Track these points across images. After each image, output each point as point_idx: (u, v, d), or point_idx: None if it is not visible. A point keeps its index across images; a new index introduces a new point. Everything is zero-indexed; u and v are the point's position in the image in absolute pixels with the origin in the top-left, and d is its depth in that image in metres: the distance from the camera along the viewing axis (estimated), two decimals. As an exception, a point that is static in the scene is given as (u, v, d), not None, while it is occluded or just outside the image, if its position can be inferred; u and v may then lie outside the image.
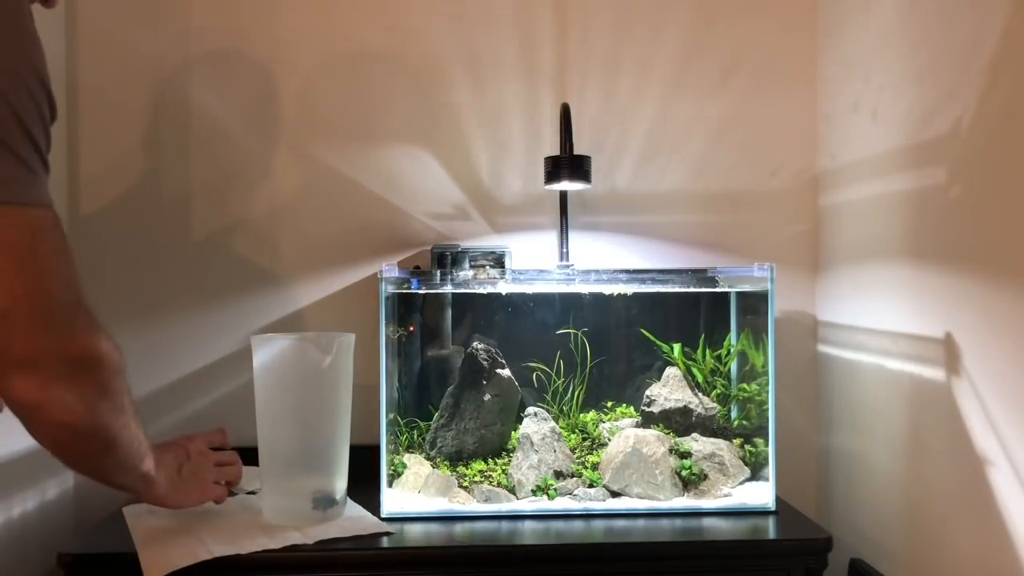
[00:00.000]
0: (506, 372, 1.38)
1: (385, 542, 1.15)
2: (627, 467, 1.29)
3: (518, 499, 1.28)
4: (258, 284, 1.51)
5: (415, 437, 1.39)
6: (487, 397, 1.36)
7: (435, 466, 1.33)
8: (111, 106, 1.49)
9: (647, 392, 1.39)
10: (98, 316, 0.85)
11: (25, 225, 0.73)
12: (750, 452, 1.35)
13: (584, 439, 1.38)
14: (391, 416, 1.31)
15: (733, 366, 1.41)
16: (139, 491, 1.01)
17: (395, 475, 1.30)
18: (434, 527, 1.21)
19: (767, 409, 1.29)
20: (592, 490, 1.29)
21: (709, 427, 1.37)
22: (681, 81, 1.54)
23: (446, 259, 1.41)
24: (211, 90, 1.50)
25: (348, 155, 1.52)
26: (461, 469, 1.32)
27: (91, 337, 0.79)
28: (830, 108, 1.50)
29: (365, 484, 1.27)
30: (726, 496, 1.29)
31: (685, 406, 1.37)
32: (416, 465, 1.33)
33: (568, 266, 1.42)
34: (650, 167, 1.54)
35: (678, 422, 1.37)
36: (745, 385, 1.39)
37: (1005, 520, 1.00)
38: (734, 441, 1.36)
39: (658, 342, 1.41)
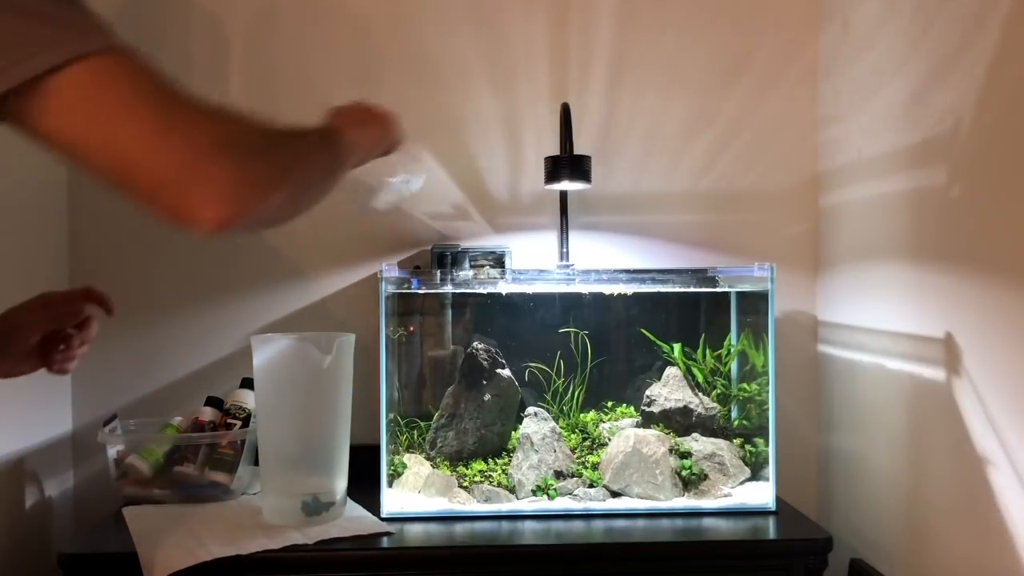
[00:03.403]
0: (506, 372, 1.38)
1: (385, 542, 1.15)
2: (627, 467, 1.29)
3: (518, 499, 1.28)
4: (258, 284, 1.51)
5: (415, 437, 1.39)
6: (487, 397, 1.36)
7: (435, 466, 1.33)
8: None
9: (647, 392, 1.39)
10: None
11: (90, 72, 0.63)
12: (750, 452, 1.35)
13: (584, 439, 1.38)
14: (391, 416, 1.31)
15: (733, 366, 1.41)
16: (347, 164, 0.90)
17: (395, 475, 1.30)
18: (434, 527, 1.21)
19: (767, 409, 1.29)
20: (592, 490, 1.29)
21: (709, 427, 1.37)
22: (682, 81, 1.54)
23: (446, 259, 1.41)
24: (210, 89, 1.50)
25: (348, 155, 1.51)
26: (461, 469, 1.32)
27: (219, 122, 0.68)
28: (830, 108, 1.50)
29: (365, 484, 1.27)
30: (726, 496, 1.29)
31: (685, 406, 1.37)
32: (416, 465, 1.33)
33: (568, 266, 1.42)
34: (650, 167, 1.54)
35: (678, 422, 1.37)
36: (745, 385, 1.39)
37: (1005, 520, 1.00)
38: (734, 441, 1.36)
39: (658, 342, 1.41)
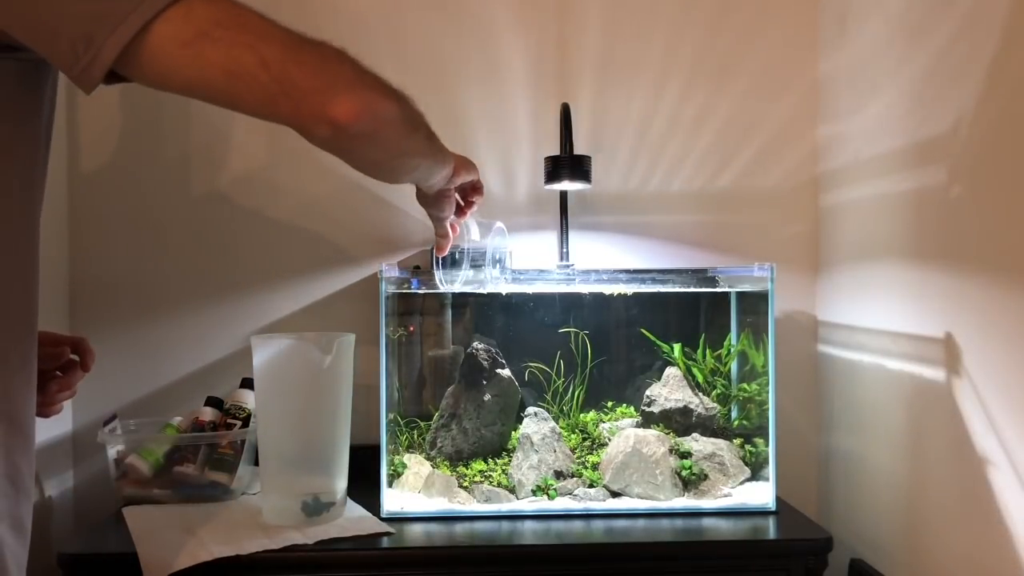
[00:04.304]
0: (506, 372, 1.38)
1: (385, 542, 1.15)
2: (627, 467, 1.29)
3: (518, 499, 1.28)
4: (258, 284, 1.51)
5: (415, 437, 1.39)
6: (487, 397, 1.36)
7: (435, 466, 1.33)
8: (111, 107, 1.49)
9: (647, 392, 1.39)
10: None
11: (208, 2, 0.70)
12: (750, 452, 1.35)
13: (584, 439, 1.38)
14: (391, 416, 1.31)
15: (733, 366, 1.41)
16: (442, 162, 1.03)
17: (395, 475, 1.30)
18: (434, 527, 1.21)
19: (767, 409, 1.29)
20: (592, 490, 1.29)
21: (709, 427, 1.37)
22: (681, 81, 1.53)
23: (446, 259, 1.41)
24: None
25: (348, 155, 1.51)
26: (461, 469, 1.32)
27: (329, 44, 0.77)
28: (830, 108, 1.50)
29: (365, 484, 1.27)
30: (726, 496, 1.29)
31: (685, 406, 1.37)
32: (416, 465, 1.33)
33: (568, 266, 1.42)
34: (650, 167, 1.54)
35: (678, 422, 1.37)
36: (745, 385, 1.39)
37: (1005, 520, 1.00)
38: (734, 441, 1.36)
39: (658, 342, 1.41)
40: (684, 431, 1.37)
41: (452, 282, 1.23)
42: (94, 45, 0.66)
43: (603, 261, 1.52)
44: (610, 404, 1.44)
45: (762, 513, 1.26)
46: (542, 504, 1.27)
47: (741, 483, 1.33)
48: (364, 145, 0.80)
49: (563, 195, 1.45)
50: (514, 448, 1.34)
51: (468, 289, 1.27)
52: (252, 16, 0.72)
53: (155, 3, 0.67)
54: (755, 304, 1.35)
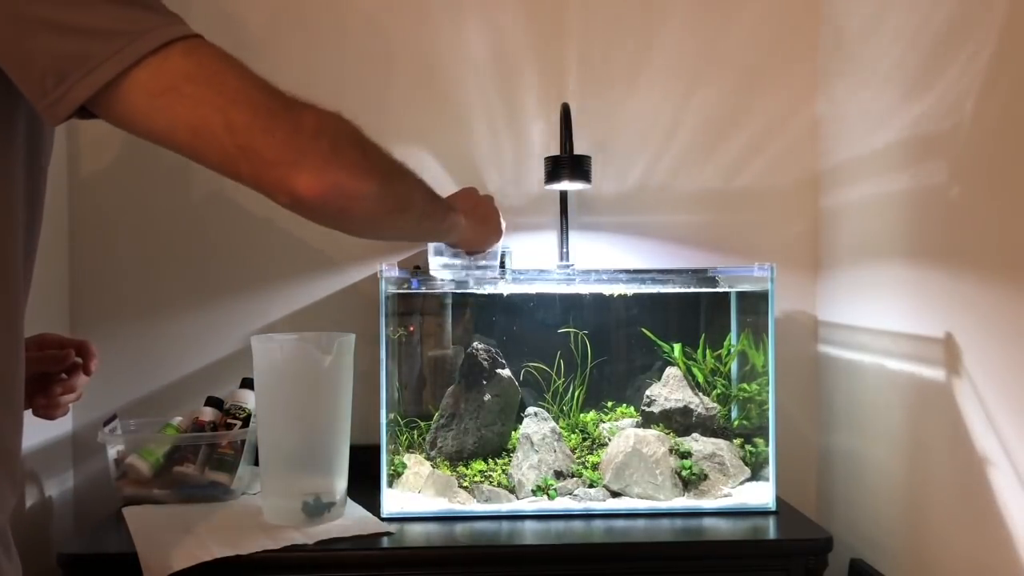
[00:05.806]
0: (506, 372, 1.38)
1: (385, 542, 1.15)
2: (627, 467, 1.29)
3: (518, 499, 1.28)
4: (258, 284, 1.51)
5: (415, 437, 1.39)
6: (487, 397, 1.36)
7: (435, 466, 1.33)
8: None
9: (647, 392, 1.39)
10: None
11: (186, 56, 0.68)
12: (750, 452, 1.35)
13: (584, 439, 1.38)
14: (391, 416, 1.31)
15: (733, 366, 1.41)
16: (444, 237, 1.04)
17: (395, 475, 1.30)
18: (434, 527, 1.21)
19: (767, 409, 1.29)
20: (592, 490, 1.29)
21: (709, 427, 1.37)
22: (681, 81, 1.53)
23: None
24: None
25: (348, 155, 1.51)
26: (461, 469, 1.32)
27: (317, 110, 0.74)
28: (830, 108, 1.50)
29: (365, 484, 1.27)
30: (726, 496, 1.29)
31: (685, 406, 1.37)
32: (416, 465, 1.33)
33: (568, 266, 1.42)
34: (650, 167, 1.54)
35: (678, 422, 1.37)
36: (745, 385, 1.39)
37: (1005, 520, 1.00)
38: (734, 441, 1.36)
39: (658, 342, 1.41)
40: (684, 431, 1.37)
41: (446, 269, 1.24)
42: (64, 84, 0.65)
43: (603, 261, 1.52)
44: (610, 404, 1.44)
45: (762, 513, 1.26)
46: (542, 504, 1.27)
47: (741, 483, 1.33)
48: (330, 219, 0.78)
49: (563, 195, 1.45)
50: (514, 448, 1.34)
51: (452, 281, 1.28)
52: (229, 74, 0.69)
53: (133, 52, 0.65)
54: (755, 304, 1.35)
